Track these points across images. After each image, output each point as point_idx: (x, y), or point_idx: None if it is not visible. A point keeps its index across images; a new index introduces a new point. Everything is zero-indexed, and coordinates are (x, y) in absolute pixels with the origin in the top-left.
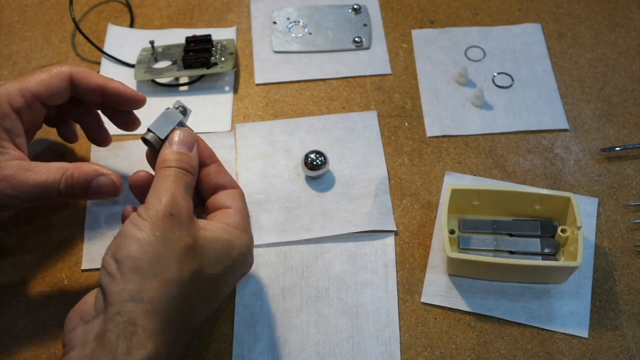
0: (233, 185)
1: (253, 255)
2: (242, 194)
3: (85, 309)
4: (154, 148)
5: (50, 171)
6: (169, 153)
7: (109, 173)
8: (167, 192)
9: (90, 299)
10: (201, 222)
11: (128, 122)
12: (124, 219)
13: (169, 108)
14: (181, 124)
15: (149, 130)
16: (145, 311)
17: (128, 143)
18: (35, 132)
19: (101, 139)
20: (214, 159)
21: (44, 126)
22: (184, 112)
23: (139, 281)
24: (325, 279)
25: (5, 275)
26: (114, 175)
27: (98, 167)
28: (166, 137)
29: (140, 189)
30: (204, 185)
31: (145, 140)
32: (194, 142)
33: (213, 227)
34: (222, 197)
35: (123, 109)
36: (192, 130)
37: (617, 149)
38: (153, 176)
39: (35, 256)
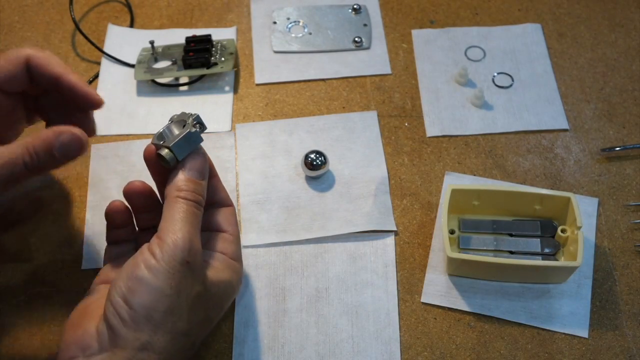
0: (228, 203)
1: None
2: (234, 213)
3: (86, 339)
4: (168, 165)
5: (10, 148)
6: (185, 180)
7: (69, 129)
8: (183, 234)
9: (90, 329)
10: (206, 259)
11: (82, 124)
12: (128, 191)
13: (185, 115)
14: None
15: (165, 146)
16: None
17: (128, 143)
18: (4, 116)
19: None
20: (213, 173)
21: None
22: (202, 129)
23: (151, 331)
24: (325, 279)
25: (5, 275)
26: (75, 129)
27: (56, 127)
28: (183, 159)
29: (135, 199)
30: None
31: (160, 156)
32: (207, 170)
33: (218, 266)
34: (219, 217)
35: (77, 107)
36: (207, 155)
37: (617, 149)
38: (148, 186)
39: (35, 256)
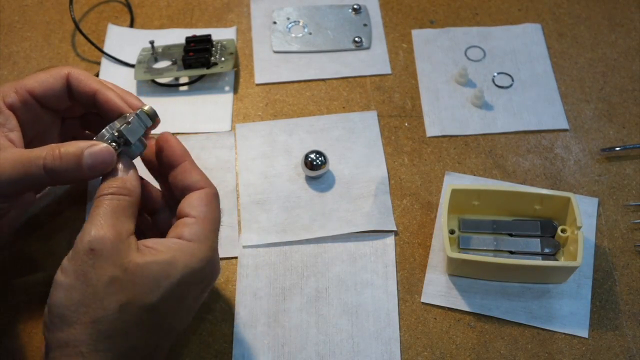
0: (200, 185)
1: (216, 263)
2: (209, 194)
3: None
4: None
5: (33, 150)
6: (103, 185)
7: (95, 142)
8: (88, 225)
9: None
10: (144, 244)
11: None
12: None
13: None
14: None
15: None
16: (77, 354)
17: None
18: (40, 134)
19: None
20: (184, 157)
21: None
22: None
23: (67, 327)
24: (325, 279)
25: (5, 275)
26: (108, 145)
27: (89, 140)
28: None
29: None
30: (175, 189)
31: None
32: (111, 161)
33: (155, 248)
34: (185, 203)
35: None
36: (143, 141)
37: (617, 148)
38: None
39: (35, 256)
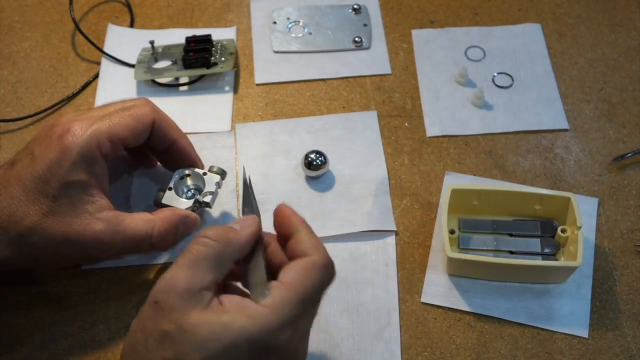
0: (307, 253)
1: (294, 341)
2: (307, 261)
3: None
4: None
5: (137, 226)
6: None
7: (189, 213)
8: (168, 273)
9: None
10: (220, 299)
11: (153, 163)
12: None
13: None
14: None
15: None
16: None
17: None
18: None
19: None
20: (299, 228)
21: None
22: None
23: None
24: None
25: (5, 275)
26: (192, 213)
27: (177, 210)
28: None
29: None
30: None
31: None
32: (197, 226)
33: (219, 307)
34: (285, 269)
35: (179, 166)
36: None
37: (629, 154)
38: None
39: None
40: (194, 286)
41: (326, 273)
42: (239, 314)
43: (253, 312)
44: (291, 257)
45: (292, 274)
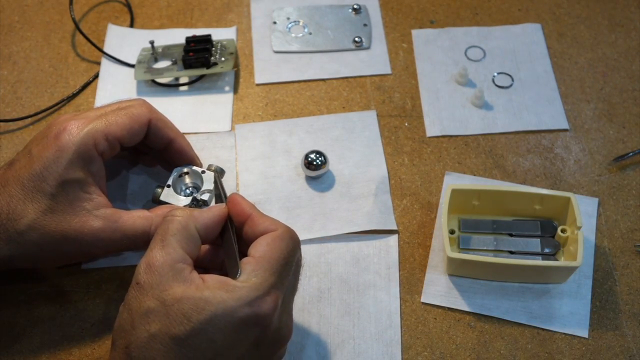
0: (269, 230)
1: (283, 326)
2: (274, 235)
3: None
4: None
5: (136, 223)
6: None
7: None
8: (143, 258)
9: None
10: (202, 277)
11: (154, 163)
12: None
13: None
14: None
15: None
16: None
17: None
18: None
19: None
20: (250, 211)
21: None
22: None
23: (112, 350)
24: (327, 279)
25: (5, 275)
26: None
27: (172, 206)
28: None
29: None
30: (249, 244)
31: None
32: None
33: (200, 283)
34: (254, 245)
35: (173, 161)
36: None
37: (630, 154)
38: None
39: None
40: (168, 261)
41: (292, 242)
42: (219, 289)
43: (231, 287)
44: (252, 238)
45: (262, 248)
